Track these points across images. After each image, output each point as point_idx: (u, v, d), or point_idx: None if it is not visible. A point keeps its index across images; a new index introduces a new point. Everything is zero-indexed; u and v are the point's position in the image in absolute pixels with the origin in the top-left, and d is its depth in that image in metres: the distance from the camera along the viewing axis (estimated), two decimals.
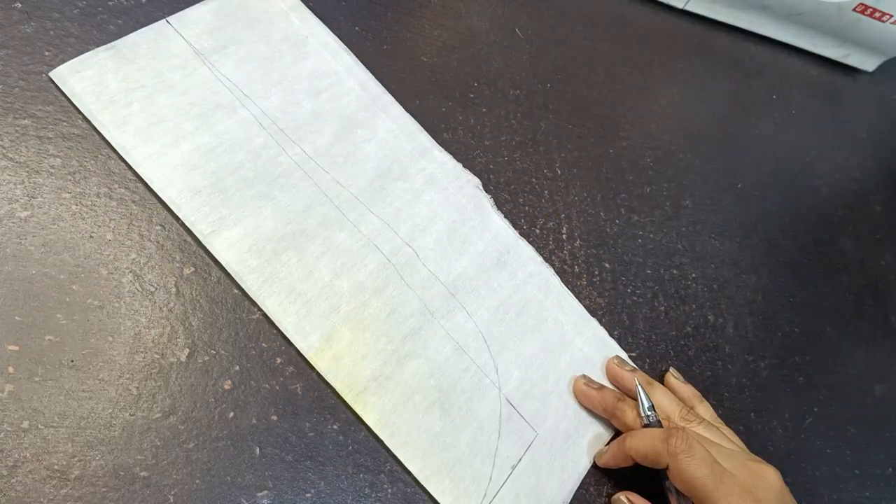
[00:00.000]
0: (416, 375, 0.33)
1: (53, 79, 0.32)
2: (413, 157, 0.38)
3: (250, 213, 0.33)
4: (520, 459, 0.33)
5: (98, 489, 0.26)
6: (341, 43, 0.40)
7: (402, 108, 0.39)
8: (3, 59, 0.31)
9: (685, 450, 0.31)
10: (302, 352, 0.31)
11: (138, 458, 0.27)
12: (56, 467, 0.26)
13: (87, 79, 0.32)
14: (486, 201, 0.39)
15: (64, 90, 0.32)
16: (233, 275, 0.32)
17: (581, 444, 0.35)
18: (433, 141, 0.39)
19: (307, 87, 0.37)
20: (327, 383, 0.31)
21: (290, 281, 0.32)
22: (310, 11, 0.39)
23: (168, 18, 0.35)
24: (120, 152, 0.32)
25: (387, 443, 0.31)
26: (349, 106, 0.38)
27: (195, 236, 0.31)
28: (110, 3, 0.35)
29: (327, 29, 0.40)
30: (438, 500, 0.31)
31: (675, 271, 0.44)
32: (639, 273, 0.42)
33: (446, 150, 0.39)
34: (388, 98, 0.39)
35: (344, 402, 0.31)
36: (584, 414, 0.36)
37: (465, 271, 0.36)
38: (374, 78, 0.39)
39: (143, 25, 0.35)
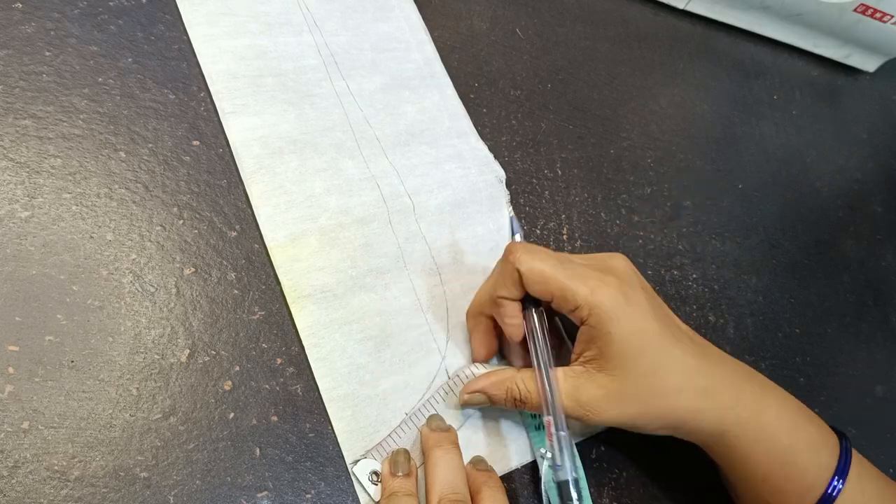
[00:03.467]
0: (363, 307, 0.33)
1: None
2: (448, 133, 0.39)
3: (274, 112, 0.35)
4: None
5: (98, 490, 0.26)
6: (423, 24, 0.42)
7: (456, 94, 0.41)
8: (4, 60, 0.31)
9: (524, 252, 0.30)
10: (266, 242, 0.32)
11: (138, 459, 0.27)
12: (56, 468, 0.26)
13: None
14: (503, 196, 0.39)
15: None
16: (234, 154, 0.33)
17: (502, 448, 0.33)
18: (474, 129, 0.40)
19: (375, 42, 0.40)
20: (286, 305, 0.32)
21: (283, 179, 0.34)
22: None
23: None
24: (185, 24, 0.35)
25: (307, 352, 0.31)
26: (406, 71, 0.40)
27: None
28: (111, 3, 0.35)
29: (415, 7, 0.42)
30: (334, 425, 0.31)
31: (675, 272, 0.44)
32: (640, 274, 0.42)
33: None
34: (447, 80, 0.41)
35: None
36: (509, 425, 0.34)
37: (453, 245, 0.36)
38: (440, 62, 0.41)
39: (143, 26, 0.35)
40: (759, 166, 0.51)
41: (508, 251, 0.31)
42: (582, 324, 0.30)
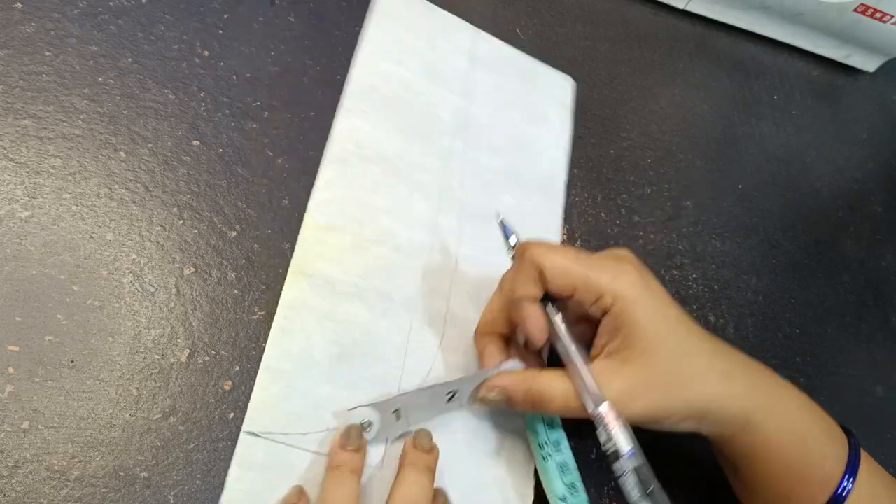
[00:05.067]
0: (351, 315, 0.32)
1: None
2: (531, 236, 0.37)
3: (385, 129, 0.37)
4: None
5: (98, 490, 0.26)
6: (569, 147, 0.43)
7: (563, 210, 0.41)
8: (4, 60, 0.31)
9: (541, 248, 0.30)
10: (304, 218, 0.33)
11: (138, 459, 0.27)
12: (56, 468, 0.26)
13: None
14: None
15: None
16: (329, 139, 0.36)
17: None
18: (559, 230, 0.41)
19: (513, 135, 0.41)
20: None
21: (355, 179, 0.35)
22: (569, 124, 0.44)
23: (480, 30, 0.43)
24: (361, 36, 0.39)
25: (275, 319, 0.31)
26: (527, 170, 0.41)
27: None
28: (111, 3, 0.35)
29: (570, 130, 0.44)
30: (254, 392, 0.29)
31: (675, 272, 0.44)
32: None
33: None
34: (560, 193, 0.42)
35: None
36: None
37: (470, 322, 0.34)
38: (565, 178, 0.42)
39: (143, 26, 0.35)
40: (759, 166, 0.51)
41: (524, 249, 0.30)
42: (604, 314, 0.29)
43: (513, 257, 0.32)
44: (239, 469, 0.28)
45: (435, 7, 0.43)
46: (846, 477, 0.30)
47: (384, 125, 0.37)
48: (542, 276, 0.29)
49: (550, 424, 0.32)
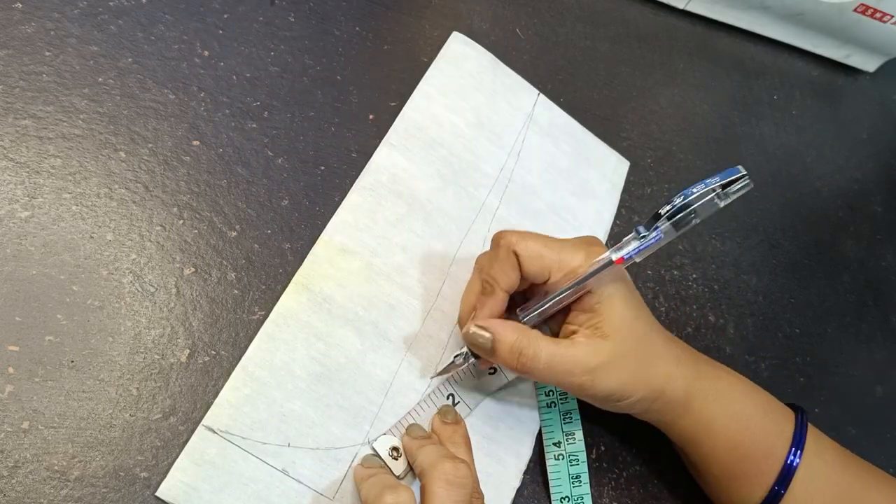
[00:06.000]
0: (342, 341, 0.32)
1: None
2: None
3: (423, 170, 0.37)
4: (283, 471, 0.29)
5: (98, 490, 0.26)
6: (611, 224, 0.42)
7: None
8: (4, 60, 0.31)
9: (516, 235, 0.31)
10: (321, 234, 0.34)
11: (138, 459, 0.27)
12: (56, 468, 0.26)
13: None
14: None
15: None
16: (365, 168, 0.36)
17: None
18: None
19: (553, 203, 0.41)
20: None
21: (381, 210, 0.35)
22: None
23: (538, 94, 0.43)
24: (425, 76, 0.40)
25: (265, 324, 0.31)
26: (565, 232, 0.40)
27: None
28: (111, 3, 0.35)
29: (615, 209, 0.43)
30: (224, 390, 0.29)
31: (675, 272, 0.44)
32: (640, 274, 0.42)
33: None
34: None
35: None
36: None
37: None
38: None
39: (143, 26, 0.35)
40: (759, 166, 0.51)
41: (500, 236, 0.31)
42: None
43: (472, 357, 0.32)
44: (187, 460, 0.28)
45: (501, 64, 0.43)
46: (792, 450, 0.31)
47: (423, 166, 0.38)
48: (517, 263, 0.31)
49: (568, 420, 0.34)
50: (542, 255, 0.30)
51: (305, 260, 0.33)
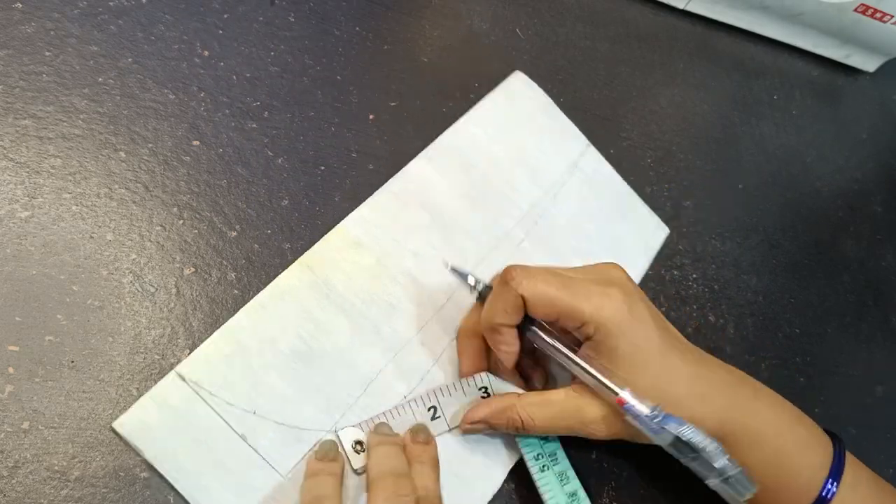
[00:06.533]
0: (334, 328, 0.32)
1: None
2: None
3: (451, 189, 0.38)
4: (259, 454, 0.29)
5: (98, 490, 0.26)
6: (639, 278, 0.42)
7: None
8: (4, 60, 0.31)
9: (525, 276, 0.29)
10: (339, 223, 0.34)
11: (138, 459, 0.27)
12: (56, 468, 0.26)
13: None
14: None
15: None
16: (402, 170, 0.37)
17: None
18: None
19: (579, 249, 0.40)
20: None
21: (402, 218, 0.36)
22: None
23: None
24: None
25: (261, 292, 0.31)
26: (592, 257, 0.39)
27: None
28: (111, 3, 0.35)
29: (647, 267, 0.42)
30: (205, 345, 0.29)
31: (675, 272, 0.44)
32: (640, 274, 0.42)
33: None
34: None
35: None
36: None
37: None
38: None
39: (143, 26, 0.35)
40: (759, 166, 0.51)
41: (507, 275, 0.30)
42: (587, 339, 0.30)
43: (479, 294, 0.32)
44: (150, 401, 0.28)
45: (556, 107, 0.43)
46: (829, 481, 0.30)
47: (455, 185, 0.38)
48: (523, 305, 0.30)
49: (545, 437, 0.32)
50: (552, 300, 0.29)
51: (316, 244, 0.33)
